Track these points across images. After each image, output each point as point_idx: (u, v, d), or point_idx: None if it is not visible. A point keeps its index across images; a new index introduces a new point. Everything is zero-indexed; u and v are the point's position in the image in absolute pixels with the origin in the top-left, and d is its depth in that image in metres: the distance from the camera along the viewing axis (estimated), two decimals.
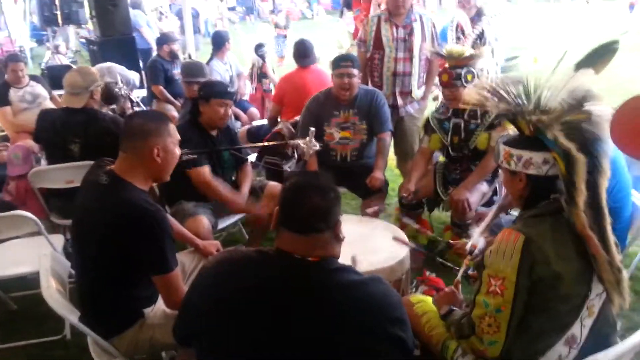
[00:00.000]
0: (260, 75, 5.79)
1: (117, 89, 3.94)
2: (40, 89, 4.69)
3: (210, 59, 5.23)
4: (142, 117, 1.95)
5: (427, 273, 3.06)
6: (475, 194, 3.07)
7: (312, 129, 2.88)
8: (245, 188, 3.17)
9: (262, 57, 5.76)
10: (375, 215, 3.20)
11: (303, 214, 1.36)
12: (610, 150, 1.59)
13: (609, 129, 1.54)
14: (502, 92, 1.70)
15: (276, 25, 10.99)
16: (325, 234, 1.37)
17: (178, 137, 2.00)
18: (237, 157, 3.24)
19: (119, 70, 4.49)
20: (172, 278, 1.84)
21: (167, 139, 1.92)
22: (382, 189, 3.35)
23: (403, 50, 3.76)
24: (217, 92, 3.00)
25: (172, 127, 1.97)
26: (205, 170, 2.94)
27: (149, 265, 1.82)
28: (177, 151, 1.99)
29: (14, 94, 4.55)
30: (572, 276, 1.52)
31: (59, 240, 2.87)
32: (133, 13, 8.33)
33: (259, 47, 5.78)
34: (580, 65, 1.66)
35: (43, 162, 3.45)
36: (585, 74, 1.62)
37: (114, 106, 3.96)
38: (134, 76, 4.85)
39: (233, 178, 3.28)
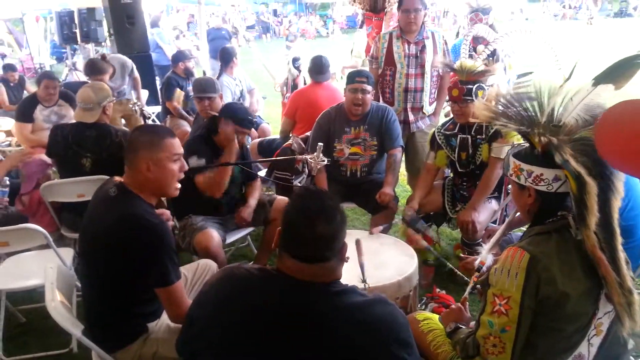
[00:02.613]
0: (292, 86, 5.91)
1: (130, 105, 3.99)
2: (66, 110, 4.61)
3: (220, 74, 5.28)
4: (140, 131, 1.94)
5: (437, 290, 3.01)
6: (484, 212, 3.02)
7: (320, 144, 2.88)
8: (252, 201, 3.18)
9: (298, 69, 5.86)
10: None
11: (308, 244, 1.30)
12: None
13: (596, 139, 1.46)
14: (514, 106, 1.66)
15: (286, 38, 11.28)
16: (332, 262, 1.33)
17: (175, 152, 1.94)
18: (247, 173, 3.25)
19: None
20: (175, 291, 1.83)
21: (160, 154, 1.89)
22: (391, 205, 3.32)
23: (415, 66, 3.77)
24: (241, 119, 3.01)
25: (170, 143, 1.92)
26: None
27: (151, 277, 1.81)
28: (174, 167, 1.94)
29: (39, 112, 4.51)
30: (579, 295, 1.48)
31: (68, 253, 2.89)
32: (152, 31, 8.66)
33: (295, 60, 5.90)
34: (599, 80, 1.57)
35: (54, 176, 3.49)
36: (605, 90, 1.55)
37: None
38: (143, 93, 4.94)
39: (243, 191, 3.28)
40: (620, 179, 1.52)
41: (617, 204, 1.50)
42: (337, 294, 1.32)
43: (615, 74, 1.58)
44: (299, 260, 1.31)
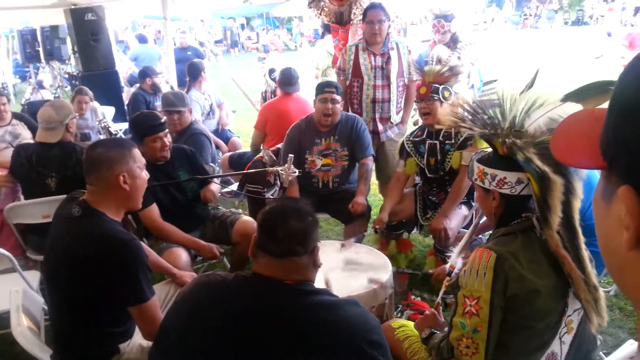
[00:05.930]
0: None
1: (97, 122, 3.93)
2: (21, 129, 4.35)
3: (188, 89, 5.25)
4: (103, 146, 1.91)
5: (412, 297, 3.03)
6: (455, 218, 3.05)
7: (291, 155, 2.88)
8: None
9: (275, 80, 5.79)
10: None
11: (281, 237, 1.36)
12: (583, 172, 1.56)
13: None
14: (479, 112, 1.69)
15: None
16: (303, 258, 1.37)
17: (144, 160, 1.98)
18: (200, 183, 3.15)
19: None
20: (149, 307, 1.80)
21: (132, 164, 1.89)
22: (364, 214, 3.34)
23: (381, 77, 3.81)
24: (146, 128, 2.89)
25: (137, 152, 1.95)
26: (154, 210, 2.80)
27: (124, 296, 1.78)
28: (145, 175, 1.97)
29: None
30: (547, 292, 1.51)
31: (34, 276, 2.80)
32: (143, 47, 9.29)
33: (271, 72, 5.86)
34: (569, 97, 1.58)
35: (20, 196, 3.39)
36: (572, 108, 1.54)
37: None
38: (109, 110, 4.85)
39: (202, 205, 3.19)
40: (579, 180, 1.55)
41: (577, 205, 1.53)
42: (308, 293, 1.35)
43: (586, 94, 1.58)
44: (273, 256, 1.36)
